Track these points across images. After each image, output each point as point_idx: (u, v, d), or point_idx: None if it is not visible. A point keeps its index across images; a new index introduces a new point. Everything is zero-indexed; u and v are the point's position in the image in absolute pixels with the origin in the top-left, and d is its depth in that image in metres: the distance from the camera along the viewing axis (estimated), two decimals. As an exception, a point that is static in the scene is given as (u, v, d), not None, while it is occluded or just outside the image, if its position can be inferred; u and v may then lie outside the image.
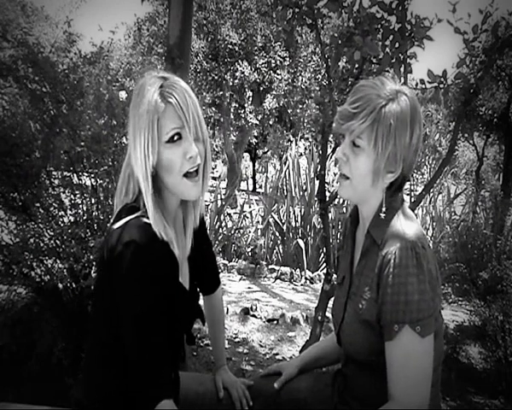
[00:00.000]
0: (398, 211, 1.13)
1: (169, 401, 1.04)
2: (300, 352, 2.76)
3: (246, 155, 21.71)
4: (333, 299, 1.32)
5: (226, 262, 6.02)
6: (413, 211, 1.23)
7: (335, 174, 6.98)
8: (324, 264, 6.01)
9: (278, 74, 12.19)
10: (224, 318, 1.51)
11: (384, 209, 1.13)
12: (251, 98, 12.53)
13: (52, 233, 2.38)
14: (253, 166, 23.46)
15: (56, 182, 2.56)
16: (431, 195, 8.04)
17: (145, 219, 1.07)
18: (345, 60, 2.39)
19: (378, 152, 1.09)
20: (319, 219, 5.87)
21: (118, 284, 1.05)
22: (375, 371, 1.06)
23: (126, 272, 1.03)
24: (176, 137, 1.08)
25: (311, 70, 12.65)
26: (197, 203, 1.25)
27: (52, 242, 2.42)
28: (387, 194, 1.14)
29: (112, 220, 1.13)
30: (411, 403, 1.01)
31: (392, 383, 1.03)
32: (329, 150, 3.02)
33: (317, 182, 6.00)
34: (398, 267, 1.02)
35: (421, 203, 6.96)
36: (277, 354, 3.43)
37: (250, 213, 7.24)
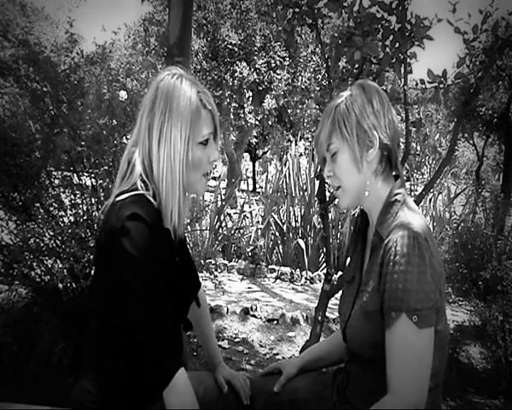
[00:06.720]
0: (403, 204, 1.13)
1: (182, 369, 1.07)
2: (300, 352, 2.76)
3: (246, 155, 21.69)
4: (340, 297, 1.32)
5: (226, 262, 6.01)
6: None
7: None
8: (324, 264, 6.01)
9: (278, 74, 12.18)
10: (209, 317, 1.52)
11: (392, 200, 1.14)
12: (250, 98, 12.50)
13: (52, 233, 2.38)
14: (253, 166, 23.44)
15: (56, 182, 2.56)
16: (431, 195, 8.03)
17: (148, 196, 1.10)
18: (345, 60, 2.39)
19: (347, 139, 1.13)
20: (319, 219, 5.87)
21: (121, 256, 1.05)
22: (378, 367, 1.06)
23: (130, 243, 1.03)
24: (207, 141, 1.20)
25: (311, 70, 12.64)
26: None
27: (52, 242, 2.42)
28: (387, 179, 1.16)
29: (105, 207, 1.14)
30: (408, 396, 1.00)
31: (390, 375, 1.03)
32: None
33: (317, 182, 5.99)
34: (399, 255, 1.02)
35: (421, 203, 6.96)
36: (277, 353, 3.43)
37: (250, 213, 7.23)
